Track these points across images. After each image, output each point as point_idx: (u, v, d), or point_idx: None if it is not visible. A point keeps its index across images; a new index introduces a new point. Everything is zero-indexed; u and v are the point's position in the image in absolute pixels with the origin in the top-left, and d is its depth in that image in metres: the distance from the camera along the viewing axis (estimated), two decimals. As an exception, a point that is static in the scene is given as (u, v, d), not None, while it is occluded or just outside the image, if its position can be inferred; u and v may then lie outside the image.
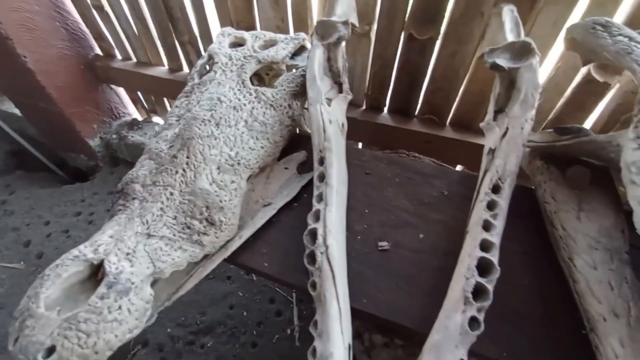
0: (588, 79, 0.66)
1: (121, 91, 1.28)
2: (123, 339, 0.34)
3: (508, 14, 0.60)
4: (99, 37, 1.09)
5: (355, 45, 0.79)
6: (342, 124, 0.58)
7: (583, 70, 0.66)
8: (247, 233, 0.48)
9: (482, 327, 0.33)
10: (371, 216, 0.51)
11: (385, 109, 0.90)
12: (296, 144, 0.62)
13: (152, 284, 0.39)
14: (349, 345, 0.35)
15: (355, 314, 0.42)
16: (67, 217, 1.10)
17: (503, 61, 0.54)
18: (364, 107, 0.92)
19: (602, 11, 0.58)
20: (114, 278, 0.35)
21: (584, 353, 0.37)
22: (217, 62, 0.60)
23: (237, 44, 0.67)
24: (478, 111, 0.79)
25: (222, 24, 0.89)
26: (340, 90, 0.63)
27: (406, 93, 0.84)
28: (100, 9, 0.99)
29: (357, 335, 0.51)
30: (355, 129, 0.91)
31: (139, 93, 1.26)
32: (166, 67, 1.09)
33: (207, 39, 0.94)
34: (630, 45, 0.41)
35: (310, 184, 0.55)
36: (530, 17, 0.63)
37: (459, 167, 0.89)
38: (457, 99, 0.80)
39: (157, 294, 0.41)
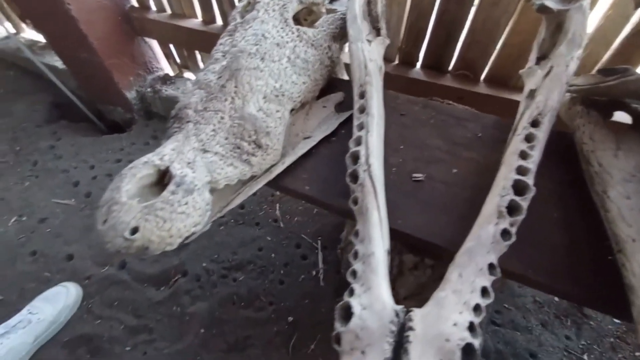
0: (638, 30, 0.63)
1: (155, 45, 1.31)
2: (189, 230, 0.39)
3: (561, -47, 0.58)
4: (136, -13, 1.11)
5: (393, -7, 0.78)
6: (380, 67, 0.59)
7: (634, 20, 0.64)
8: (289, 160, 0.51)
9: (514, 238, 0.36)
10: (405, 152, 0.54)
11: (418, 64, 0.89)
12: (332, 86, 0.64)
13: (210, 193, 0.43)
14: (388, 251, 0.39)
15: (390, 233, 0.45)
16: (109, 162, 1.18)
17: (552, 2, 0.53)
18: (397, 61, 0.91)
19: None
20: (180, 179, 0.39)
21: (603, 278, 0.39)
22: (259, 2, 0.61)
23: (279, -14, 0.68)
24: (516, 66, 0.77)
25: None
26: (378, 35, 0.63)
27: (441, 47, 0.83)
28: (138, -44, 1.00)
29: (385, 262, 0.55)
30: (386, 84, 0.91)
31: (171, 47, 1.29)
32: (200, 19, 1.10)
33: (243, -12, 0.94)
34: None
35: (347, 122, 0.57)
36: (585, -42, 0.60)
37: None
38: (495, 53, 0.78)
39: (211, 206, 0.46)
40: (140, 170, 0.40)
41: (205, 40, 1.10)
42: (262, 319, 0.82)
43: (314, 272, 0.90)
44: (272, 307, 0.84)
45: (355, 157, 0.44)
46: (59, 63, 1.41)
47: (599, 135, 0.47)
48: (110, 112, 1.43)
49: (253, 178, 0.49)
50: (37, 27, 1.21)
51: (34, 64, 1.29)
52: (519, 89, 0.82)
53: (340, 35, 0.63)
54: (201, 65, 1.28)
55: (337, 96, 0.61)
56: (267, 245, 0.96)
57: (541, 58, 0.57)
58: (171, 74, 1.39)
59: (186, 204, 0.38)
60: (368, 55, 0.53)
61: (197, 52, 1.24)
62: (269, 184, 0.50)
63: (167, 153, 0.43)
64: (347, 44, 0.66)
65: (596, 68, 0.71)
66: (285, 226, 1.00)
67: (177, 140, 0.46)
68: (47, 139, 1.27)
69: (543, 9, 0.53)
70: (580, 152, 0.49)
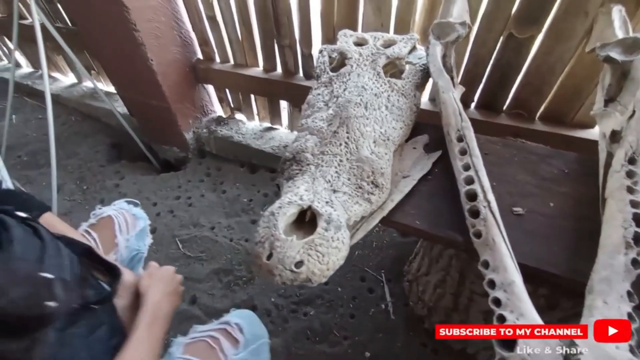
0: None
1: (211, 90, 1.44)
2: (339, 264, 0.43)
3: (617, 13, 0.66)
4: (204, 42, 1.24)
5: (452, 45, 0.87)
6: (462, 111, 0.66)
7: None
8: (397, 197, 0.56)
9: (644, 267, 0.39)
10: (499, 188, 0.58)
11: (473, 105, 0.97)
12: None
13: (341, 229, 0.48)
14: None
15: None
16: (170, 199, 1.25)
17: (616, 54, 0.60)
18: (451, 102, 0.99)
19: None
20: (329, 217, 0.44)
21: None
22: (350, 58, 0.70)
23: (359, 43, 0.78)
24: (571, 105, 0.84)
25: (324, 29, 1.00)
26: (453, 84, 0.71)
27: (496, 89, 0.91)
28: (212, 18, 1.14)
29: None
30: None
31: (227, 92, 1.40)
32: (261, 67, 1.22)
33: (306, 42, 1.06)
34: None
35: (438, 161, 0.63)
36: (636, 15, 0.68)
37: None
38: (551, 93, 0.85)
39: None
40: (288, 209, 0.46)
41: (264, 86, 1.21)
42: (339, 354, 0.82)
43: (382, 306, 0.91)
44: (347, 341, 0.84)
45: (472, 195, 0.49)
46: (120, 108, 1.54)
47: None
48: (165, 151, 1.52)
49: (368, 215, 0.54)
50: (113, 79, 1.34)
51: (110, 110, 1.41)
52: (574, 125, 0.88)
53: (422, 84, 0.71)
54: (254, 107, 1.38)
55: (424, 138, 0.67)
56: (332, 279, 0.97)
57: (609, 101, 0.63)
58: (223, 115, 1.50)
59: (338, 239, 0.43)
60: (459, 103, 0.60)
61: (252, 96, 1.35)
62: (382, 220, 0.55)
63: (303, 194, 0.49)
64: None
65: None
66: (347, 260, 1.03)
67: (305, 181, 0.52)
68: (112, 177, 1.35)
69: (608, 59, 0.60)
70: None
